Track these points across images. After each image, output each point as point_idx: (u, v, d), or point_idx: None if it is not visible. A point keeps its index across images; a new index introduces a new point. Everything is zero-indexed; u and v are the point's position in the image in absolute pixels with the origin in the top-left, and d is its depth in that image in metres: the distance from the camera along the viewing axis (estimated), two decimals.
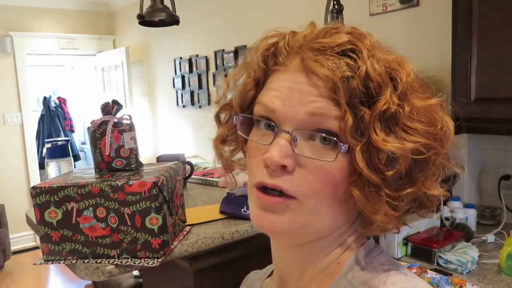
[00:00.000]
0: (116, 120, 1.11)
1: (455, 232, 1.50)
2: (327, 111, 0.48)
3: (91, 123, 1.12)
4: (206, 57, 3.66)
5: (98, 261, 1.01)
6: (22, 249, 4.66)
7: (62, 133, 6.04)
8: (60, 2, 4.83)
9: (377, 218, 0.50)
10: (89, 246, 1.01)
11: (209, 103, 3.71)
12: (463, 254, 1.34)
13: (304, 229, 0.51)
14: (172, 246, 1.07)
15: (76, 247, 1.02)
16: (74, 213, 1.00)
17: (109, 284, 2.72)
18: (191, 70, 3.88)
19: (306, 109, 0.48)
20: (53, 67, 6.73)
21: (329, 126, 0.48)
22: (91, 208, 1.00)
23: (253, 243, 1.29)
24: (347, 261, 0.54)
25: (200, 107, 3.84)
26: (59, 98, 6.36)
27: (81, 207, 1.00)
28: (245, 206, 1.30)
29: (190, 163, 1.88)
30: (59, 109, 6.19)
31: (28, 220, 1.48)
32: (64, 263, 1.03)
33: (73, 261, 1.02)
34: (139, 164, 1.14)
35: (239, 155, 0.62)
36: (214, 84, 3.61)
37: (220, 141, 0.60)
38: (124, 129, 1.11)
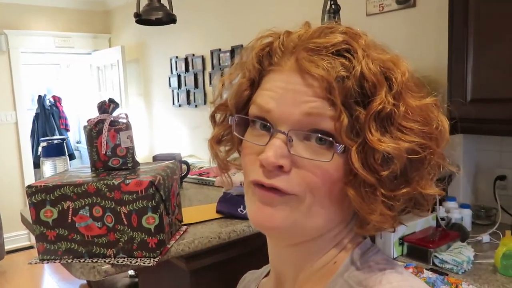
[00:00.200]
0: (112, 118, 1.11)
1: (450, 232, 1.51)
2: (323, 111, 0.48)
3: (87, 121, 1.11)
4: (202, 56, 3.65)
5: (94, 261, 1.00)
6: (16, 249, 4.63)
7: (57, 132, 6.02)
8: (55, 0, 4.81)
9: (372, 218, 0.50)
10: (85, 246, 1.01)
11: (205, 103, 3.71)
12: (458, 254, 1.34)
13: (301, 226, 0.51)
14: (169, 246, 1.07)
15: (72, 247, 1.01)
16: (70, 212, 1.00)
17: (104, 284, 2.71)
18: (187, 70, 3.87)
19: (301, 109, 0.48)
20: (48, 66, 6.70)
21: (325, 126, 0.48)
22: (87, 207, 0.99)
23: (249, 243, 1.29)
24: (343, 261, 0.54)
25: (196, 106, 3.83)
26: (54, 96, 6.33)
27: (77, 206, 0.99)
28: (241, 206, 1.30)
29: (186, 163, 1.87)
30: (54, 108, 6.16)
31: (23, 219, 1.47)
32: (59, 262, 1.02)
33: (69, 261, 1.01)
34: (136, 163, 1.14)
35: (235, 154, 0.61)
36: (210, 83, 3.61)
37: (216, 141, 0.60)
38: (121, 127, 1.11)
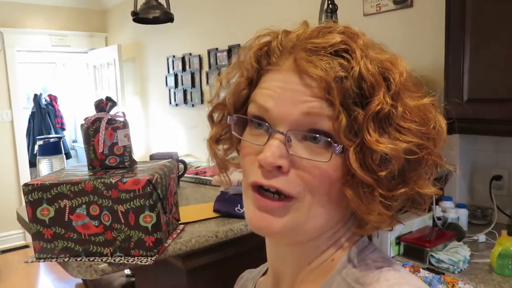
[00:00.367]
0: (110, 117, 1.10)
1: (447, 232, 1.51)
2: (321, 111, 0.48)
3: (84, 119, 1.11)
4: (199, 55, 3.65)
5: (91, 259, 1.00)
6: (11, 248, 4.61)
7: (52, 131, 6.00)
8: None
9: (371, 218, 0.50)
10: (82, 244, 1.01)
11: (202, 102, 3.70)
12: (455, 254, 1.35)
13: (301, 227, 0.51)
14: (166, 245, 1.07)
15: (68, 245, 1.01)
16: (67, 210, 0.99)
17: (101, 283, 2.70)
18: (184, 69, 3.86)
19: (299, 109, 0.48)
20: (44, 64, 6.67)
21: (323, 126, 0.48)
22: (84, 206, 0.99)
23: (247, 241, 1.29)
24: (341, 259, 0.54)
25: (193, 105, 3.83)
26: (50, 95, 6.31)
27: (74, 205, 0.99)
28: (239, 205, 1.30)
29: (183, 162, 1.87)
30: (50, 107, 6.15)
31: (19, 218, 1.46)
32: (56, 261, 1.02)
33: (66, 259, 1.01)
34: (133, 162, 1.13)
35: (234, 153, 0.61)
36: (207, 83, 3.60)
37: (214, 141, 0.60)
38: (118, 126, 1.10)
